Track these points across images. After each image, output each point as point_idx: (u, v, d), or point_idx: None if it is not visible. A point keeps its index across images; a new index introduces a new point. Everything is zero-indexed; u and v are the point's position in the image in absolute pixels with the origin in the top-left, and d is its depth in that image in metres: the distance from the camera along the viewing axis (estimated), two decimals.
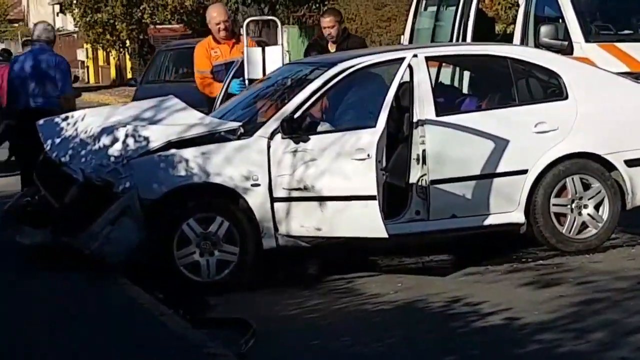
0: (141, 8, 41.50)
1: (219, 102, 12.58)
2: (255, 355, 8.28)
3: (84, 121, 11.77)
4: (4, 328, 8.61)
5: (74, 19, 45.10)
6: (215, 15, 14.48)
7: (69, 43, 57.76)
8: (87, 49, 51.06)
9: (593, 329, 8.75)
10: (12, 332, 8.63)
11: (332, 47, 14.54)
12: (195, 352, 8.09)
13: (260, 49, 14.35)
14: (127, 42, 45.72)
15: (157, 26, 41.25)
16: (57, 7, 48.52)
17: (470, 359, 8.32)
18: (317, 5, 25.35)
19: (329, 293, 10.59)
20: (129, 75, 46.58)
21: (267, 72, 13.66)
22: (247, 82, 13.60)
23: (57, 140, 11.55)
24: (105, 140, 11.20)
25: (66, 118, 12.03)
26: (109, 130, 11.31)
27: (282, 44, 15.24)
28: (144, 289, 10.10)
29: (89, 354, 8.08)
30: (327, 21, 14.99)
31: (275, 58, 14.15)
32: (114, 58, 53.07)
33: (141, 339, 8.45)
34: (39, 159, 11.95)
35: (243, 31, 14.81)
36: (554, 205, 11.54)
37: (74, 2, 43.48)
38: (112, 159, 10.94)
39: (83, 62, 58.23)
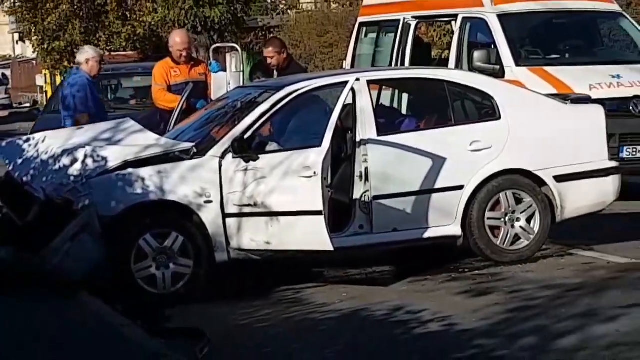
0: (97, 36, 41.36)
1: (173, 122, 12.54)
2: (210, 335, 8.32)
3: (44, 143, 11.72)
4: None
5: (33, 47, 44.83)
6: (178, 41, 14.62)
7: (28, 69, 57.56)
8: (45, 74, 50.74)
9: (525, 334, 8.79)
10: None
11: (275, 74, 14.59)
12: None
13: (225, 74, 14.50)
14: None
15: (113, 53, 41.10)
16: (16, 36, 48.22)
17: None
18: (263, 32, 25.41)
19: (279, 303, 10.56)
20: None
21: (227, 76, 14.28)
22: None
23: (19, 161, 11.50)
24: (65, 160, 11.17)
25: (27, 140, 11.99)
26: (68, 151, 11.28)
27: (242, 70, 15.31)
28: (104, 301, 10.04)
29: None
30: (268, 51, 15.08)
31: (235, 82, 14.39)
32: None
33: (103, 350, 8.41)
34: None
35: (210, 55, 15.03)
36: (488, 218, 11.59)
37: (32, 30, 43.25)
38: (72, 178, 10.93)
39: (42, 87, 57.98)
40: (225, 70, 15.15)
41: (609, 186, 12.05)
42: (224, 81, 14.44)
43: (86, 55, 15.01)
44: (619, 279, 10.71)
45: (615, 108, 14.13)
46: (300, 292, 10.89)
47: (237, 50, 16.27)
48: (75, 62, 15.65)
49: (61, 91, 15.02)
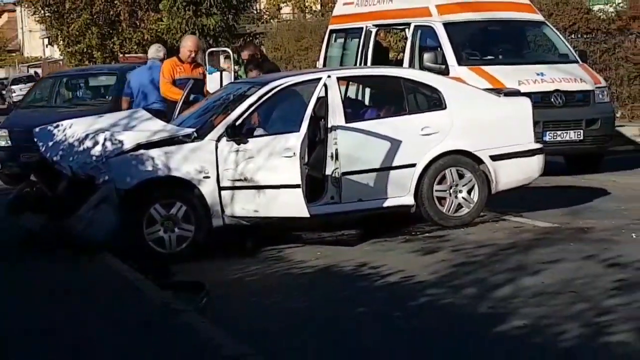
0: (112, 41, 41.16)
1: (177, 112, 12.50)
2: (209, 310, 8.26)
3: (71, 129, 11.71)
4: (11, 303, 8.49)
5: (59, 50, 44.53)
6: (190, 44, 14.55)
7: (56, 68, 57.14)
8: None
9: (467, 285, 8.84)
10: (20, 301, 8.55)
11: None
12: (163, 309, 8.03)
13: (218, 73, 14.58)
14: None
15: (126, 55, 40.89)
16: (46, 40, 47.94)
17: (375, 309, 8.30)
18: (250, 38, 25.42)
19: (265, 260, 10.55)
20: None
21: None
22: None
23: (50, 144, 11.48)
24: (88, 143, 11.19)
25: (57, 126, 11.93)
26: (91, 135, 11.29)
27: (233, 70, 15.36)
28: (122, 260, 10.02)
29: (80, 312, 8.03)
30: (244, 53, 15.85)
31: (227, 81, 14.49)
32: None
33: (120, 299, 8.39)
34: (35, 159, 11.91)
35: (205, 58, 15.04)
36: (436, 190, 11.56)
37: (59, 35, 42.97)
38: (94, 158, 10.98)
39: None
40: (219, 71, 15.18)
41: (535, 164, 12.05)
42: (217, 80, 14.48)
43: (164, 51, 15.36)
44: (543, 239, 10.75)
45: (539, 100, 14.14)
46: (282, 252, 10.87)
47: (229, 53, 16.24)
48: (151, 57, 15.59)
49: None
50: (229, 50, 17.01)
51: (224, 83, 14.46)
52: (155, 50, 15.63)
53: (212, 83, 14.43)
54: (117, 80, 18.36)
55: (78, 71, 24.06)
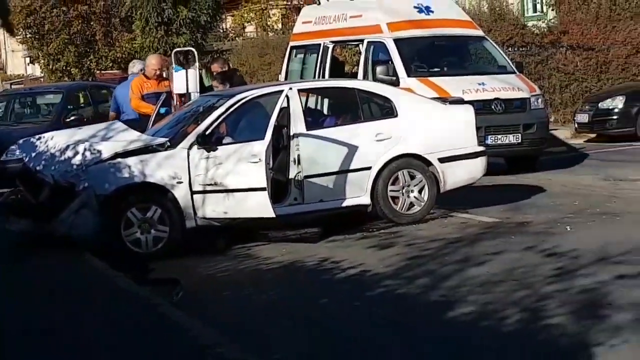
0: (89, 58, 40.93)
1: (151, 123, 12.46)
2: (183, 303, 8.22)
3: (52, 140, 11.69)
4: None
5: (40, 68, 44.17)
6: (154, 62, 14.61)
7: (37, 85, 56.71)
8: None
9: (419, 276, 8.85)
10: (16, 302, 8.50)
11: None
12: (141, 303, 8.01)
13: (184, 71, 14.56)
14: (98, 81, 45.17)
15: (102, 71, 40.69)
16: (27, 59, 47.57)
17: (337, 300, 8.33)
18: (218, 55, 25.32)
19: (235, 258, 10.52)
20: None
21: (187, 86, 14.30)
22: (174, 99, 14.21)
23: (33, 154, 11.44)
24: (69, 153, 11.15)
25: (39, 138, 11.90)
26: (72, 146, 11.25)
27: (197, 68, 15.31)
28: (101, 259, 9.97)
29: (68, 307, 7.99)
30: (214, 66, 15.85)
31: (192, 77, 14.48)
32: None
33: (102, 296, 8.36)
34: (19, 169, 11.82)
35: (172, 58, 15.06)
36: (390, 191, 11.58)
37: (40, 55, 42.67)
38: (74, 166, 10.93)
39: None
40: (184, 70, 15.20)
41: (478, 165, 12.10)
42: (184, 77, 14.51)
43: (139, 66, 15.24)
44: (487, 233, 10.79)
45: (481, 107, 14.18)
46: (250, 249, 10.85)
47: (193, 52, 16.20)
48: (130, 72, 15.60)
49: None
50: (193, 50, 17.02)
51: (190, 81, 14.53)
52: (131, 66, 15.65)
53: (178, 80, 14.49)
54: (62, 99, 17.92)
55: (27, 90, 22.90)
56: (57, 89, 20.58)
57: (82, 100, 18.12)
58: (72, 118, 16.30)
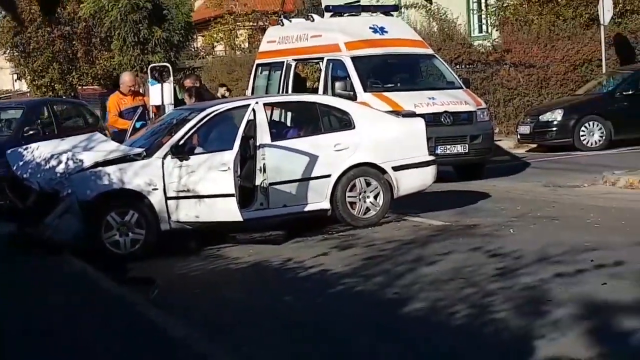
0: (71, 75, 40.74)
1: (128, 135, 12.41)
2: (159, 300, 8.21)
3: (38, 150, 11.55)
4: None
5: (27, 83, 43.88)
6: (127, 80, 14.69)
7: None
8: None
9: (376, 275, 8.85)
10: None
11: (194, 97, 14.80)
12: (119, 301, 7.96)
13: (159, 85, 14.56)
14: (64, 97, 44.95)
15: (84, 87, 40.54)
16: (15, 76, 47.19)
17: (300, 297, 8.34)
18: (190, 71, 25.28)
19: (206, 258, 10.46)
20: None
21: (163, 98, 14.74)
22: (150, 112, 14.47)
23: (20, 163, 11.29)
24: (53, 162, 11.04)
25: (26, 148, 11.80)
26: (56, 155, 11.14)
27: (171, 82, 15.32)
28: (83, 260, 9.90)
29: (49, 304, 7.92)
30: (187, 82, 15.84)
31: (167, 91, 14.51)
32: None
33: (83, 294, 8.29)
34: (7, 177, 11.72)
35: (149, 73, 15.09)
36: (348, 196, 11.58)
37: (26, 71, 42.41)
38: (58, 174, 10.80)
39: None
40: (159, 83, 15.18)
41: (429, 173, 12.11)
42: (159, 90, 14.52)
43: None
44: (437, 235, 10.79)
45: (431, 120, 14.19)
46: (220, 250, 10.78)
47: (168, 67, 16.18)
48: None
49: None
50: (168, 65, 17.01)
51: (165, 94, 14.58)
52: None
53: (154, 93, 14.50)
54: (23, 114, 17.26)
55: None
56: (18, 104, 20.00)
57: (44, 115, 17.62)
58: (31, 133, 15.85)
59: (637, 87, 18.90)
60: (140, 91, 15.13)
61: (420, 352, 6.55)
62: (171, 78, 15.73)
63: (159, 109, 14.70)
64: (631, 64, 21.09)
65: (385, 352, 6.53)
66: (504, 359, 6.07)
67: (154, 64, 18.25)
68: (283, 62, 17.29)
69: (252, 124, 11.28)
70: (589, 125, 19.30)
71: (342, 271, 9.14)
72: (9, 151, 11.92)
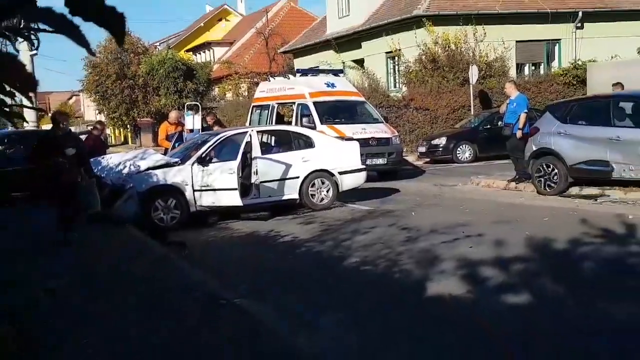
0: (133, 111, 40.41)
1: (170, 150, 12.34)
2: (188, 256, 8.13)
3: (111, 159, 11.43)
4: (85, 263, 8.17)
5: (104, 116, 43.35)
6: (174, 115, 14.81)
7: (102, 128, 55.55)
8: (110, 128, 49.00)
9: (328, 241, 8.80)
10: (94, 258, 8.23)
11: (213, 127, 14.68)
12: (162, 256, 7.86)
13: (192, 116, 14.85)
14: (128, 126, 44.43)
15: (141, 119, 40.23)
16: (96, 110, 46.63)
17: (277, 255, 8.27)
18: (210, 110, 25.07)
19: (219, 229, 10.39)
20: (130, 142, 45.45)
21: (194, 124, 14.77)
22: (184, 134, 14.32)
23: (99, 167, 11.13)
24: (120, 167, 10.91)
25: (103, 157, 11.65)
26: (122, 162, 11.03)
27: (199, 115, 15.31)
28: (139, 230, 9.78)
29: (117, 257, 7.79)
30: (208, 119, 15.40)
31: (197, 120, 15.01)
32: (120, 133, 51.20)
33: (138, 251, 8.18)
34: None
35: (185, 108, 15.07)
36: (310, 191, 11.57)
37: (104, 108, 42.00)
38: (124, 174, 10.65)
39: (108, 136, 56.10)
40: (192, 114, 15.21)
41: (361, 176, 12.13)
42: (191, 120, 14.67)
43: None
44: (366, 216, 10.79)
45: (363, 143, 14.13)
46: (228, 224, 10.71)
47: (197, 105, 16.15)
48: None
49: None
50: (198, 104, 17.08)
51: (195, 121, 14.85)
52: (177, 115, 15.10)
53: (189, 121, 14.64)
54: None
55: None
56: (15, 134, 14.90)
57: None
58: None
59: (492, 123, 19.02)
60: (180, 120, 14.97)
61: (352, 282, 6.55)
62: (199, 112, 15.60)
63: (192, 131, 14.64)
64: (488, 109, 21.26)
65: (332, 282, 6.52)
66: (407, 294, 6.06)
67: (189, 103, 18.18)
68: (269, 104, 17.23)
69: (249, 144, 11.24)
70: (462, 147, 19.42)
71: (305, 238, 9.11)
72: (92, 159, 11.77)
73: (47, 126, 18.93)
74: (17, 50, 11.65)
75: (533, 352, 4.51)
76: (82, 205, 8.89)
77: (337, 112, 16.40)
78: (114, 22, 1.39)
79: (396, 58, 24.90)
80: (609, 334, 4.72)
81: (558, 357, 4.42)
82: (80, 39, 1.39)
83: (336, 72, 17.86)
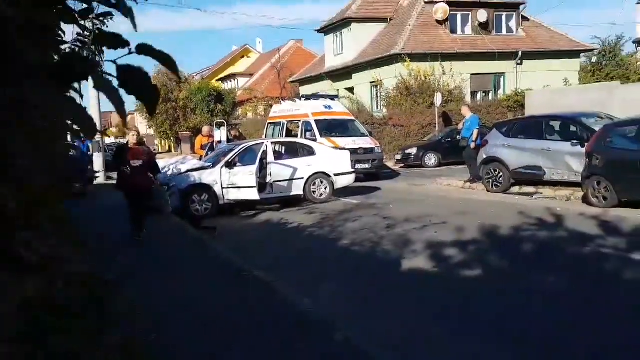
0: (176, 127, 40.24)
1: (204, 157, 12.28)
2: (218, 238, 8.09)
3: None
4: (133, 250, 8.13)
5: (153, 131, 43.16)
6: (206, 130, 14.44)
7: (151, 139, 55.36)
8: (159, 140, 48.75)
9: (326, 227, 8.74)
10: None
11: (236, 139, 14.55)
12: (197, 238, 7.85)
13: (220, 131, 14.82)
14: (171, 138, 44.32)
15: (182, 133, 40.10)
16: (147, 125, 46.45)
17: (288, 237, 8.21)
18: (234, 126, 24.99)
19: (242, 218, 10.35)
20: (173, 151, 45.34)
21: (221, 137, 14.45)
22: (215, 143, 13.87)
23: None
24: (166, 169, 10.89)
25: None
26: (167, 166, 11.05)
27: (226, 130, 15.25)
28: (180, 218, 9.74)
29: (162, 240, 7.76)
30: (232, 133, 15.21)
31: (224, 134, 14.40)
32: (165, 144, 51.06)
33: (179, 235, 8.16)
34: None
35: (215, 125, 15.02)
36: (312, 188, 11.53)
37: (153, 124, 41.83)
38: (168, 175, 10.62)
39: (156, 146, 55.92)
40: (220, 128, 15.15)
41: (352, 178, 12.06)
42: (219, 133, 14.68)
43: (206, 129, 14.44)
44: (355, 208, 10.71)
45: (353, 151, 14.11)
46: (248, 213, 10.66)
47: (224, 122, 16.12)
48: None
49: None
50: (224, 121, 17.08)
51: (222, 134, 14.64)
52: (209, 130, 14.82)
53: (217, 135, 14.60)
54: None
55: None
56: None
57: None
58: None
59: (452, 137, 18.97)
60: (212, 134, 14.90)
61: (345, 258, 6.52)
62: (225, 128, 15.54)
63: (219, 142, 14.57)
64: (449, 126, 21.23)
65: (330, 258, 6.50)
66: (386, 268, 6.07)
67: (217, 121, 18.16)
68: (281, 122, 17.21)
69: (265, 152, 11.20)
70: (429, 155, 19.34)
71: (309, 224, 9.07)
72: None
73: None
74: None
75: (476, 305, 4.53)
76: (157, 205, 8.76)
77: (333, 127, 16.38)
78: (150, 97, 1.37)
79: (378, 86, 24.94)
80: (540, 296, 4.76)
81: (498, 311, 4.44)
82: (113, 98, 1.35)
83: (332, 97, 17.83)
